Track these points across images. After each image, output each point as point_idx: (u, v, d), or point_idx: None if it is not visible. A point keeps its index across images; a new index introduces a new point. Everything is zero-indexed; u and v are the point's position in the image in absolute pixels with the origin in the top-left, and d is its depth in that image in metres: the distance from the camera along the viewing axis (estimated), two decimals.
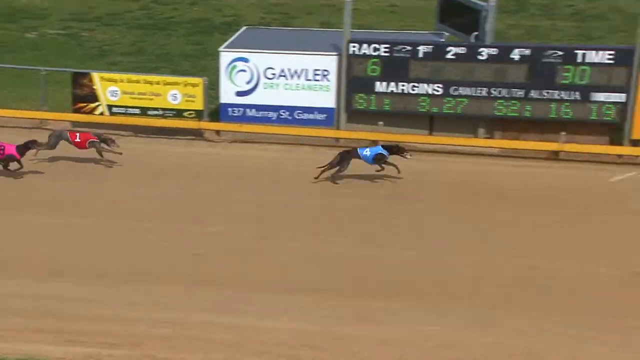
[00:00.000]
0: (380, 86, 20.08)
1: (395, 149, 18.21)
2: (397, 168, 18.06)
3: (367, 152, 18.18)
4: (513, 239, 15.73)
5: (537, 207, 16.97)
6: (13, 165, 18.34)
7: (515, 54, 19.40)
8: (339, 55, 20.13)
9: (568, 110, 19.23)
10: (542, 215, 16.64)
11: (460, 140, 19.89)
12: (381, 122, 20.09)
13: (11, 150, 18.20)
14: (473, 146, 19.86)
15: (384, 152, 18.14)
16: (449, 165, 19.11)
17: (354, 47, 19.90)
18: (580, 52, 19.13)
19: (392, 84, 19.99)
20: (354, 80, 20.03)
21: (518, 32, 26.62)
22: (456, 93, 19.73)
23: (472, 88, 19.60)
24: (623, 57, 18.91)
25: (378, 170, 18.15)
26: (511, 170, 18.87)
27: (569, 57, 19.11)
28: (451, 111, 19.86)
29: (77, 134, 19.11)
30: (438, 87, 19.81)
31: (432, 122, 20.23)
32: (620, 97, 18.96)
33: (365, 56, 19.96)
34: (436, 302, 13.63)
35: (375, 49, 19.96)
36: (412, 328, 12.94)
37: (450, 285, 14.19)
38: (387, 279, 14.37)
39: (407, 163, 18.01)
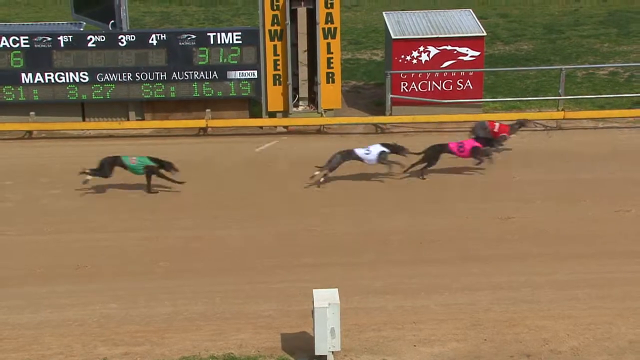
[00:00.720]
0: (26, 77, 19.20)
1: None
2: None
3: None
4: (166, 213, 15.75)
5: (192, 178, 17.06)
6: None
7: (153, 40, 19.33)
8: None
9: (209, 89, 19.53)
10: (198, 186, 16.81)
11: (113, 124, 19.52)
12: (33, 112, 19.35)
13: (473, 143, 16.61)
14: (126, 129, 19.56)
15: None
16: (105, 148, 18.59)
17: None
18: (212, 35, 19.45)
19: (38, 74, 19.22)
20: None
21: (153, 19, 26.55)
22: (103, 80, 19.31)
23: (118, 74, 19.30)
24: (250, 37, 19.48)
25: None
26: (163, 148, 18.76)
27: (203, 40, 19.37)
28: (100, 97, 19.42)
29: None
30: (84, 74, 19.28)
31: (84, 108, 19.71)
32: (253, 74, 19.57)
33: (6, 49, 19.09)
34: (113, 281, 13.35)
35: (15, 41, 19.12)
36: (93, 308, 12.54)
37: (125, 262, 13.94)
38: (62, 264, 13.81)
39: (60, 150, 17.33)
